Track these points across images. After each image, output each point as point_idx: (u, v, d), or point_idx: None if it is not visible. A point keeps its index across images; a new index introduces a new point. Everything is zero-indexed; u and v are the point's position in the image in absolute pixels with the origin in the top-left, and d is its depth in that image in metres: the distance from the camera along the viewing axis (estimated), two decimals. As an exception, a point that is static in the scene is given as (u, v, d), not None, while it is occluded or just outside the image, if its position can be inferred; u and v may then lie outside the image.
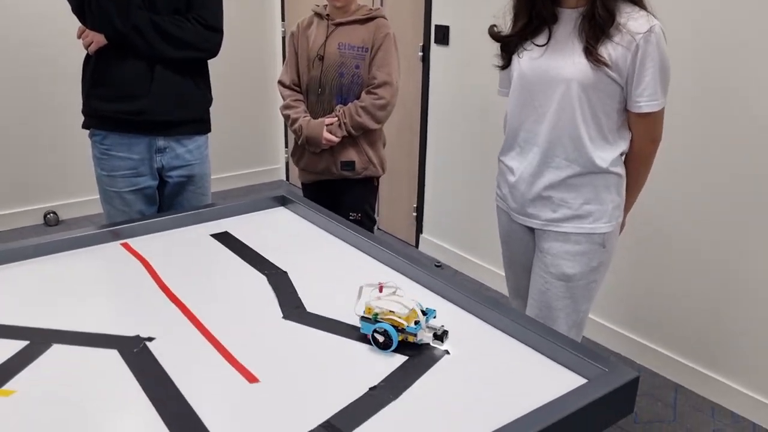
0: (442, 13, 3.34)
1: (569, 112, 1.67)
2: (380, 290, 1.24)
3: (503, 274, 3.22)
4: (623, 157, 1.75)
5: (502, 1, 1.78)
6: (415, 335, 1.18)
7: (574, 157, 1.70)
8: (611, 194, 1.74)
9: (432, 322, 1.24)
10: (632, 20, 1.60)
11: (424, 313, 1.21)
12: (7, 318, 1.30)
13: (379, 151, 2.55)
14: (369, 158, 2.50)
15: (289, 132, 4.73)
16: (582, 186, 1.72)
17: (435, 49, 3.43)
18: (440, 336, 1.21)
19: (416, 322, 1.19)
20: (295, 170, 4.81)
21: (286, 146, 4.83)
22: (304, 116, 2.45)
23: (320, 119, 2.43)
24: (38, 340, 1.23)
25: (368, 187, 2.59)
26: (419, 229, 3.77)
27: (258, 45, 4.61)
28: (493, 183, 3.14)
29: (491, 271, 3.35)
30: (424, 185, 3.67)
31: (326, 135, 2.40)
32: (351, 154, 2.47)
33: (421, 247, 3.78)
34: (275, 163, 4.94)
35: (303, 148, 2.51)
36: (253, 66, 4.61)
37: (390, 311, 1.18)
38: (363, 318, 1.22)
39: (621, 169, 1.74)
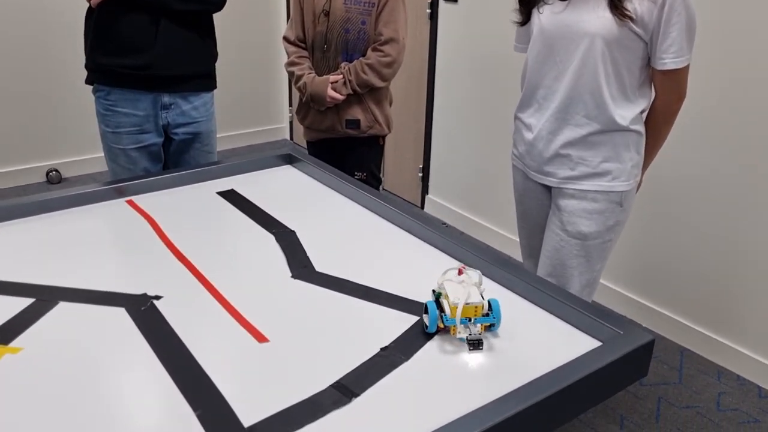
0: (451, -31, 3.27)
1: (591, 68, 1.63)
2: (459, 273, 1.15)
3: (510, 236, 3.23)
4: (644, 116, 1.72)
5: (516, -46, 1.73)
6: (449, 328, 1.10)
7: (594, 114, 1.67)
8: (630, 152, 1.71)
9: (479, 327, 1.10)
10: None
11: (487, 314, 1.11)
12: (12, 275, 1.29)
13: (385, 109, 2.51)
14: (374, 117, 2.46)
15: (294, 90, 4.69)
16: (601, 144, 1.69)
17: (443, 5, 3.36)
18: (471, 342, 1.09)
19: (468, 319, 1.10)
20: (299, 130, 4.77)
21: (290, 105, 4.77)
22: (309, 73, 2.41)
23: (325, 76, 2.38)
24: (44, 298, 1.21)
25: (374, 146, 2.55)
26: (425, 190, 3.74)
27: (262, 0, 4.52)
28: (502, 143, 3.13)
29: (498, 233, 3.33)
30: (430, 145, 3.63)
31: (330, 92, 2.36)
32: (356, 112, 2.43)
33: (427, 208, 3.76)
34: (279, 122, 4.89)
35: (308, 106, 2.47)
36: (256, 22, 4.53)
37: (446, 295, 1.12)
38: (433, 291, 1.18)
39: (641, 127, 1.71)
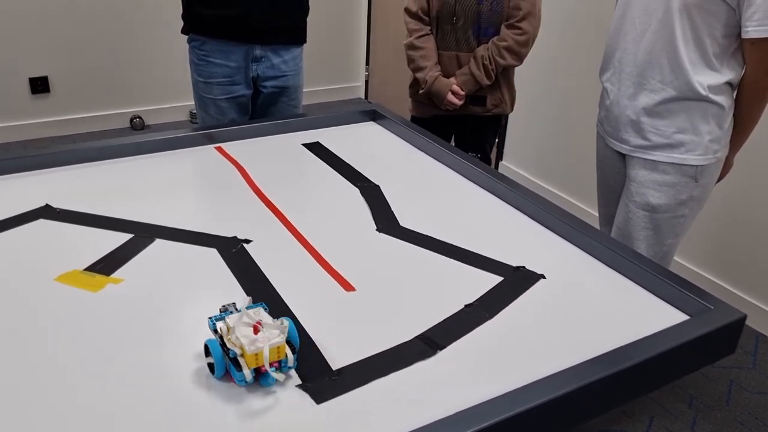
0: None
1: (668, 31, 1.57)
2: (256, 330, 0.91)
3: (584, 207, 3.17)
4: (734, 89, 1.65)
5: None
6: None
7: (669, 79, 1.61)
8: (709, 125, 1.64)
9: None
10: None
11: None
12: (112, 211, 1.35)
13: (513, 87, 2.38)
14: (501, 95, 2.33)
15: (372, 49, 4.67)
16: (676, 113, 1.64)
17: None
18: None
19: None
20: (374, 89, 4.77)
21: (367, 64, 4.76)
22: (432, 71, 2.25)
23: (448, 81, 2.25)
24: (142, 234, 1.27)
25: (494, 125, 2.42)
26: (499, 156, 3.71)
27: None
28: (582, 111, 3.06)
29: (572, 204, 3.28)
30: (508, 111, 3.58)
31: (450, 97, 2.24)
32: (483, 90, 2.28)
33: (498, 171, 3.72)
34: (355, 81, 4.89)
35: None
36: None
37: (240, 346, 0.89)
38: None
39: (725, 100, 1.63)
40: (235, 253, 1.22)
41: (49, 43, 3.75)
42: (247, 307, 0.96)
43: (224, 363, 0.90)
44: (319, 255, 1.23)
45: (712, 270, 2.69)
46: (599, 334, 1.05)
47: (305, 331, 1.02)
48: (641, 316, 1.10)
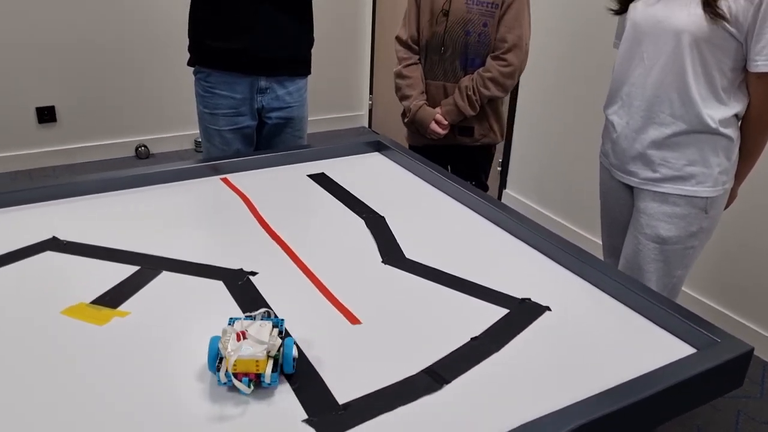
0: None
1: (679, 65, 1.59)
2: (238, 338, 0.96)
3: (587, 235, 3.17)
4: (739, 121, 1.66)
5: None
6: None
7: (680, 113, 1.63)
8: (719, 157, 1.66)
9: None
10: None
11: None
12: (118, 243, 1.35)
13: (501, 117, 2.39)
14: (490, 125, 2.34)
15: (375, 78, 4.72)
16: (686, 146, 1.65)
17: (534, -1, 3.31)
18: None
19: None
20: (378, 118, 4.81)
21: (371, 93, 4.80)
22: (418, 99, 2.30)
23: (432, 111, 2.29)
24: (148, 266, 1.27)
25: (485, 154, 2.45)
26: (503, 184, 3.72)
27: (350, -11, 4.57)
28: (585, 140, 3.08)
29: (577, 233, 3.28)
30: (511, 138, 3.60)
31: (433, 126, 2.28)
32: (471, 120, 2.31)
33: (503, 203, 3.73)
34: (359, 109, 4.93)
35: None
36: (342, 9, 4.57)
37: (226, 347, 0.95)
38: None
39: (733, 132, 1.65)
40: (241, 285, 1.23)
41: (56, 74, 3.80)
42: (262, 318, 1.02)
43: (215, 360, 0.96)
44: (325, 287, 1.23)
45: (718, 299, 2.68)
46: (606, 368, 1.05)
47: (311, 364, 1.02)
48: (648, 349, 1.10)
